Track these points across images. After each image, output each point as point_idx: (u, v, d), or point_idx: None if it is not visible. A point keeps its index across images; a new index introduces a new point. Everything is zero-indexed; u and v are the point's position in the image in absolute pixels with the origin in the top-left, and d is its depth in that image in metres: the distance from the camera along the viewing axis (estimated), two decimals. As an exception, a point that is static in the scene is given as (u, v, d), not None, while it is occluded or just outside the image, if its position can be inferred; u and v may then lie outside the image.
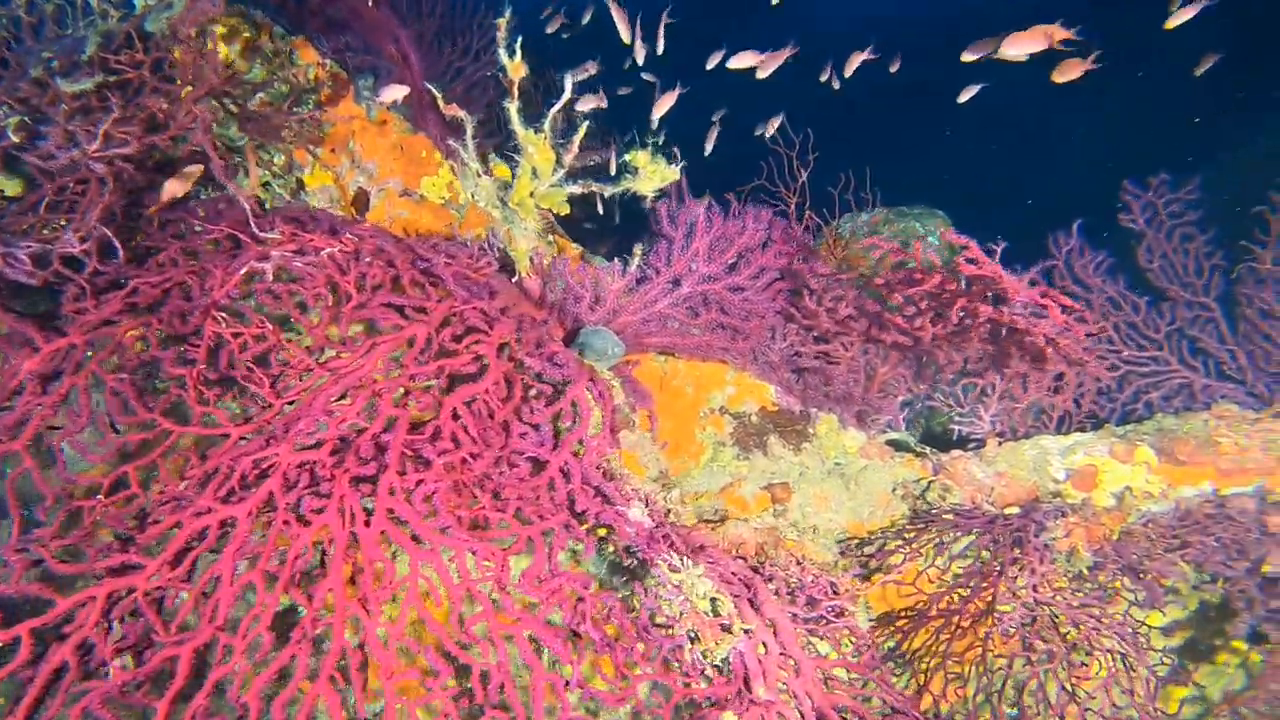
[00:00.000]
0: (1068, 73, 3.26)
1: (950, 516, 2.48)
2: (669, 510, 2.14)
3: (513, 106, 2.06)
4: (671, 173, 2.11)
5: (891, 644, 2.45)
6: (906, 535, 2.41)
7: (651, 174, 2.10)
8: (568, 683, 1.47)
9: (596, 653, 1.61)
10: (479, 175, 2.25)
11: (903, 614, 2.43)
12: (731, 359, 2.56)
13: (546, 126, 2.08)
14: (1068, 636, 2.26)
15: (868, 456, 2.70)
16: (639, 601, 1.74)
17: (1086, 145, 12.41)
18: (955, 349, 2.32)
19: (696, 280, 2.31)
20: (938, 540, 2.38)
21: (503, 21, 1.98)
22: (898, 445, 2.73)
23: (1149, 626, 2.33)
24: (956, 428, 2.75)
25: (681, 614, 1.76)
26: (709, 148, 3.00)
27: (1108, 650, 2.24)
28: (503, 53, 2.01)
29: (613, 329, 2.38)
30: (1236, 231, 2.89)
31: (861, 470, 2.65)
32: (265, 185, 2.64)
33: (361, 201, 2.77)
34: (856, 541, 2.52)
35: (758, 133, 3.78)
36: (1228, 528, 2.39)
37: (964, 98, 3.85)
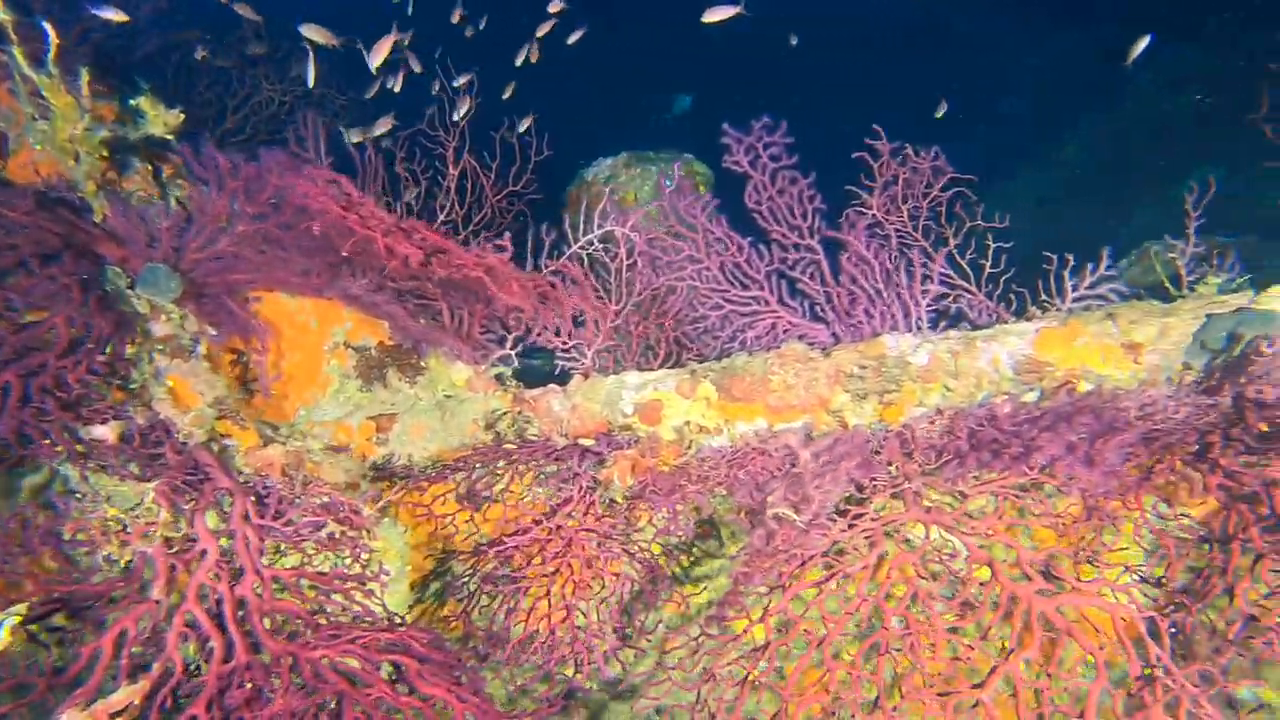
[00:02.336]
0: (715, 14, 3.29)
1: (513, 446, 2.61)
2: (185, 433, 2.31)
3: (17, 51, 2.18)
4: (173, 117, 2.23)
5: (439, 564, 2.63)
6: (454, 464, 2.55)
7: (155, 118, 2.23)
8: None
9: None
10: (33, 119, 2.38)
11: (453, 540, 2.59)
12: (323, 295, 2.69)
13: (51, 69, 2.20)
14: (586, 557, 2.40)
15: (474, 389, 2.83)
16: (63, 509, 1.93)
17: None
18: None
19: (249, 219, 2.44)
20: (477, 467, 2.52)
21: (-19, -29, 2.09)
22: (503, 379, 2.85)
23: (659, 548, 2.47)
24: (560, 363, 2.86)
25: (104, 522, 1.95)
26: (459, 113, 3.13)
27: (614, 573, 2.38)
28: (-6, 1, 2.12)
29: (184, 267, 2.52)
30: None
31: (461, 403, 2.79)
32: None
33: (3, 146, 2.93)
34: (434, 467, 2.68)
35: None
36: (764, 462, 2.48)
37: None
